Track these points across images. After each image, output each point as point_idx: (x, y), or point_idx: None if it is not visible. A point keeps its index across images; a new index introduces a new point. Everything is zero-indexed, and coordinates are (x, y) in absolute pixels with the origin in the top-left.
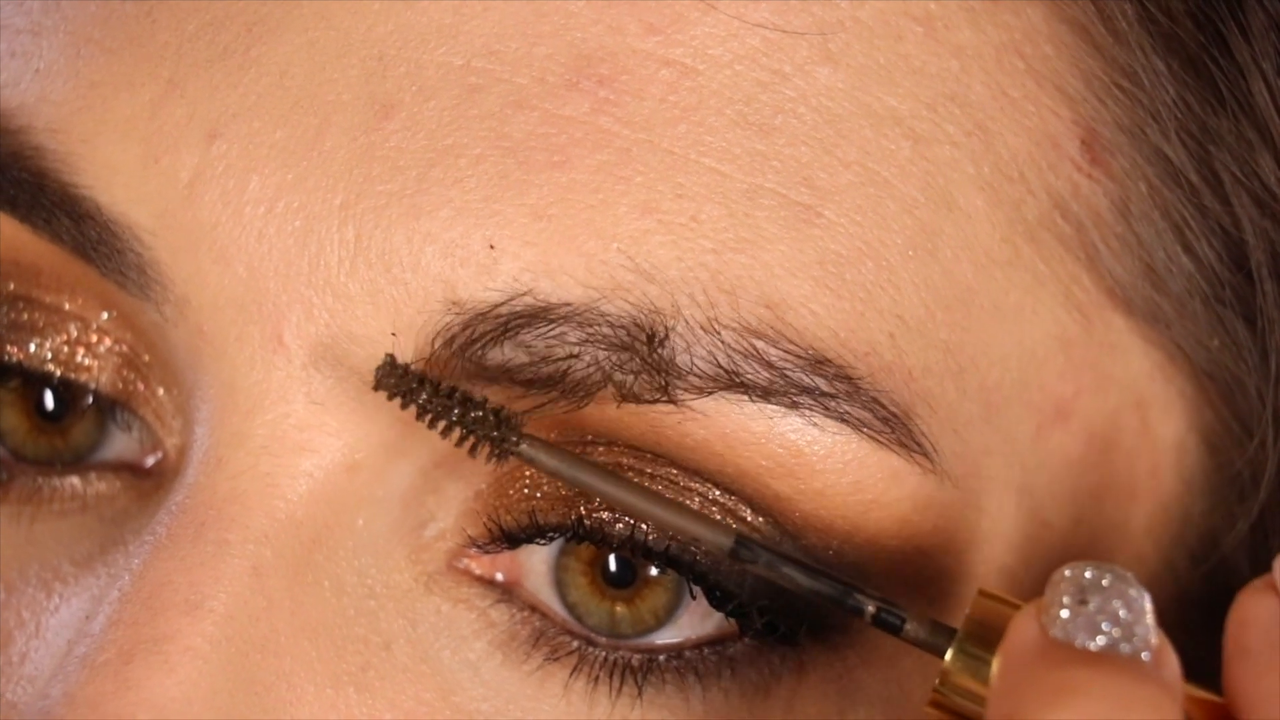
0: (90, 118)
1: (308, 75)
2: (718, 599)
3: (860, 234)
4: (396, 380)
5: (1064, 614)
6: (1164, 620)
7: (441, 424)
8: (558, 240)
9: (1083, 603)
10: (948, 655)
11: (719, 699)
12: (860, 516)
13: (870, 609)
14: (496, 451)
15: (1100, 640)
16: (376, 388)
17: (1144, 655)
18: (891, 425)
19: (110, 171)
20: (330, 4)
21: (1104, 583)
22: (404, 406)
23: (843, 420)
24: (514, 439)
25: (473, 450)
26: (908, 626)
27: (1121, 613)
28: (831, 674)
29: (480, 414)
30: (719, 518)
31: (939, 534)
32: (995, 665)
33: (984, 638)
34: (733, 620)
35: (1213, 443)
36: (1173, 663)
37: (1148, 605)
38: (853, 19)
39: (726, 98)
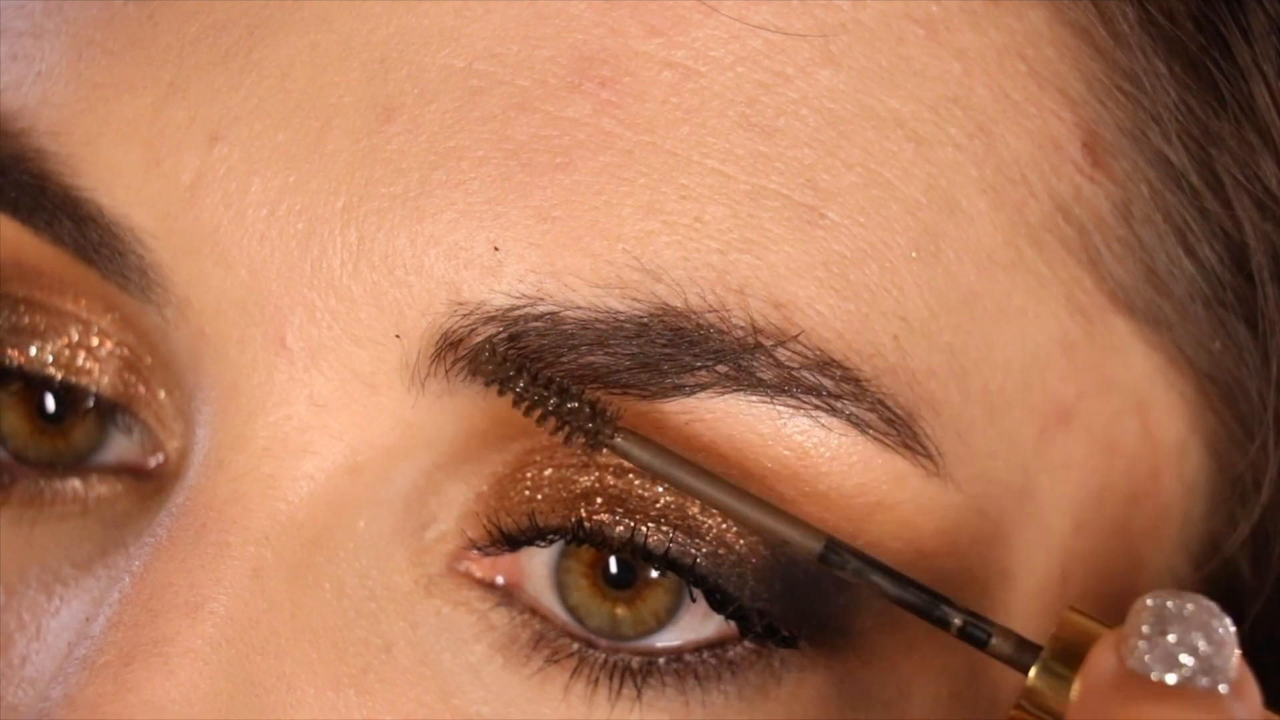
0: (92, 120)
1: (309, 78)
2: (718, 601)
3: (864, 235)
4: (495, 367)
5: (1142, 644)
6: None
7: (537, 412)
8: (563, 242)
9: (1162, 634)
10: (1031, 673)
11: (719, 702)
12: (863, 520)
13: (956, 621)
14: (591, 443)
15: (1177, 674)
16: (474, 372)
17: (1221, 688)
18: (897, 427)
19: (112, 174)
20: (331, 7)
21: (1185, 613)
22: (500, 393)
23: (849, 422)
24: (609, 432)
25: (567, 440)
26: (994, 641)
27: (1201, 645)
28: (832, 677)
29: (576, 405)
30: (724, 523)
31: (941, 537)
32: (1074, 689)
33: (1069, 657)
34: (733, 623)
35: (1214, 445)
36: (1253, 695)
37: (1231, 636)
38: (854, 21)
39: (729, 99)
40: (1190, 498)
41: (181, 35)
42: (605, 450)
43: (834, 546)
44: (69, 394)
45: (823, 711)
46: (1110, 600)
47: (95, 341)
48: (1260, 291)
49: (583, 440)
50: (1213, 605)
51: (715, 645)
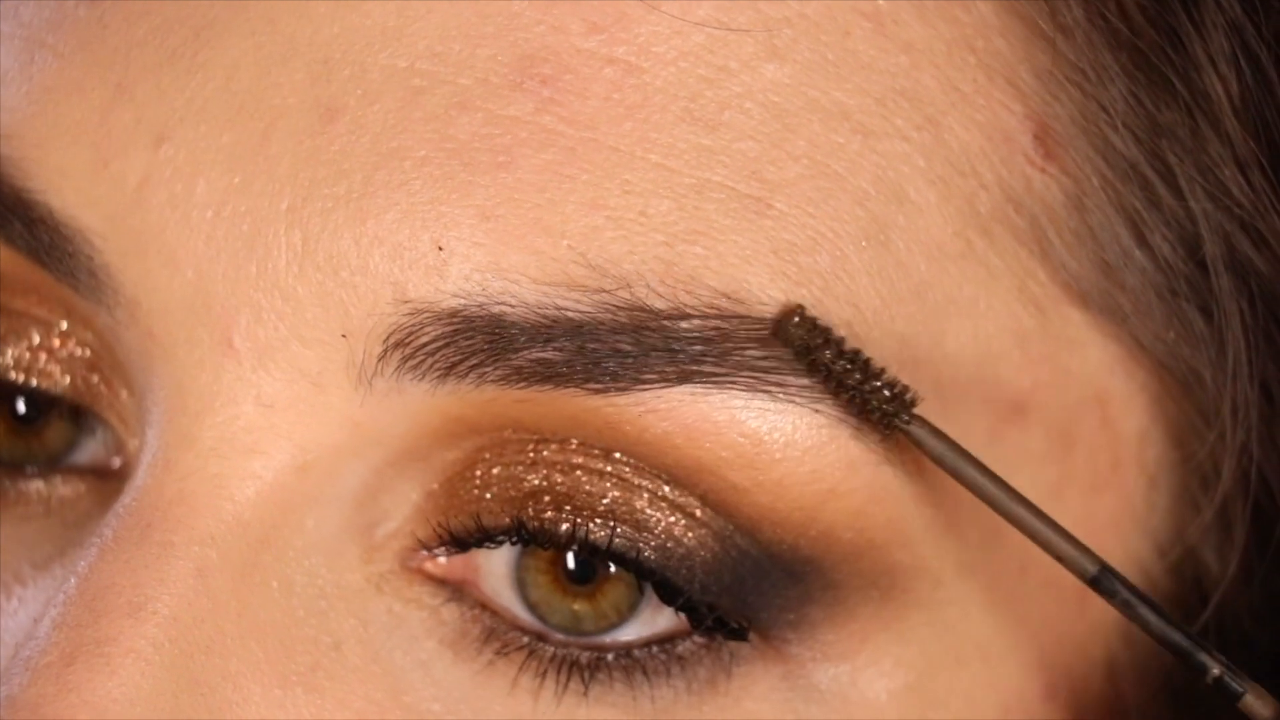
0: (43, 123)
1: (254, 79)
2: (667, 594)
3: (813, 225)
4: (804, 333)
5: None
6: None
7: (835, 384)
8: (507, 240)
9: None
10: None
11: (668, 696)
12: (816, 508)
13: (1215, 672)
14: (884, 424)
15: None
16: (777, 335)
17: None
18: (850, 413)
19: (61, 176)
20: (276, 8)
21: None
22: (803, 361)
23: (803, 407)
24: (904, 417)
25: (862, 417)
26: (1248, 698)
27: None
28: (783, 671)
29: (877, 384)
30: (672, 516)
31: (892, 527)
32: None
33: None
34: (683, 616)
35: (1175, 434)
36: None
37: None
38: (799, 15)
39: (671, 94)
40: (1153, 488)
41: (129, 37)
42: (899, 434)
43: (1107, 573)
44: (35, 397)
45: (774, 705)
46: (1073, 591)
47: (57, 343)
48: (1214, 281)
49: (876, 420)
50: None
51: (664, 640)
